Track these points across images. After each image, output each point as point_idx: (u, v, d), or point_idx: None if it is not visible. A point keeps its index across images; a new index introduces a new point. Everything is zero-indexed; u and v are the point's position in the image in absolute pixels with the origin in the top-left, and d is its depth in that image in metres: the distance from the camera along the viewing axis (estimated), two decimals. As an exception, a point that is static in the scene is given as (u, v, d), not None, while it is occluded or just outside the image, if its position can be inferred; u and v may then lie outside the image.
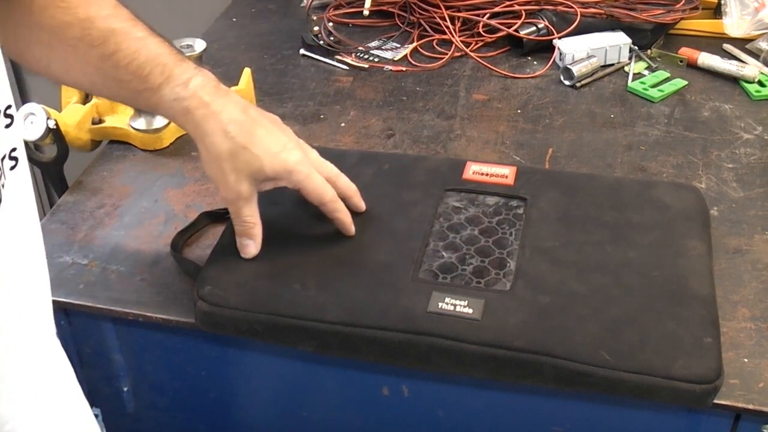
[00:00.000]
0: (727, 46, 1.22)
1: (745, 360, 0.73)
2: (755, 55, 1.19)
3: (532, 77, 1.17)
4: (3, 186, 0.53)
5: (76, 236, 0.89)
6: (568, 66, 1.15)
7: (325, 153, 0.96)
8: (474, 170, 0.89)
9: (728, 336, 0.74)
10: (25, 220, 0.58)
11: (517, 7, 1.21)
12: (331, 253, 0.79)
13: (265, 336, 0.74)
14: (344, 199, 0.80)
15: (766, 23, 1.20)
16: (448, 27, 1.23)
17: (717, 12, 1.24)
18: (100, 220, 0.91)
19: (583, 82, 1.15)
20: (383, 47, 1.26)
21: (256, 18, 1.38)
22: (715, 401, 0.68)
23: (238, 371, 0.86)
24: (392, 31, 1.29)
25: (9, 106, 0.54)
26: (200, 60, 1.10)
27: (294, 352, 0.78)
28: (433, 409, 0.82)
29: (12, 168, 0.55)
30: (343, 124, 1.07)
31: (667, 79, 1.15)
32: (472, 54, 1.21)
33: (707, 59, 1.16)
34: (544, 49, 1.21)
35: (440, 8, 1.24)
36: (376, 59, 1.22)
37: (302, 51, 1.24)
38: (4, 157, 0.54)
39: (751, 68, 1.14)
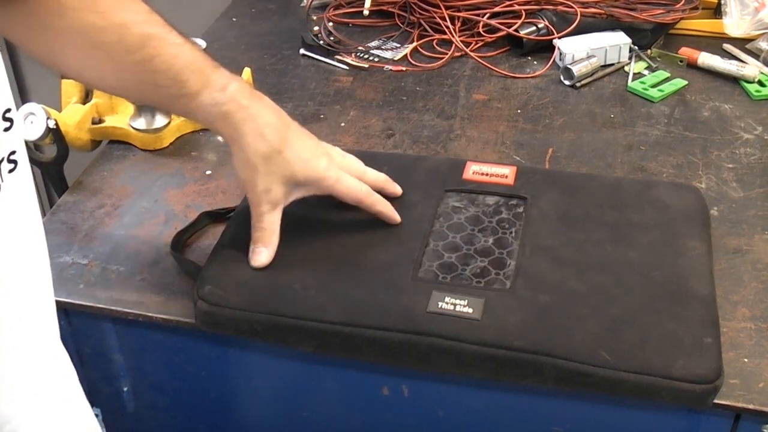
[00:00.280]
0: (727, 46, 1.22)
1: (745, 360, 0.73)
2: (755, 55, 1.19)
3: (532, 77, 1.17)
4: (0, 189, 0.53)
5: (76, 236, 0.89)
6: (568, 66, 1.15)
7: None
8: (474, 170, 0.89)
9: (728, 336, 0.74)
10: (26, 222, 0.58)
11: (517, 7, 1.21)
12: (331, 253, 0.79)
13: (265, 336, 0.74)
14: (378, 191, 0.82)
15: (766, 23, 1.20)
16: (448, 27, 1.23)
17: (717, 12, 1.24)
18: (100, 220, 0.91)
19: (583, 82, 1.15)
20: (383, 47, 1.26)
21: (256, 18, 1.38)
22: (715, 401, 0.68)
23: (238, 371, 0.86)
24: (392, 31, 1.29)
25: (8, 110, 0.54)
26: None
27: (294, 352, 0.78)
28: (433, 409, 0.82)
29: (11, 171, 0.55)
30: (343, 124, 1.07)
31: (667, 79, 1.15)
32: (472, 54, 1.21)
33: (707, 59, 1.16)
34: (544, 49, 1.21)
35: (440, 8, 1.24)
36: (376, 59, 1.22)
37: (302, 51, 1.24)
38: (2, 160, 0.54)
39: (751, 68, 1.14)
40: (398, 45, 1.26)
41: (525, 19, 1.21)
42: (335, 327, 0.72)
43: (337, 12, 1.34)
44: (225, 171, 0.98)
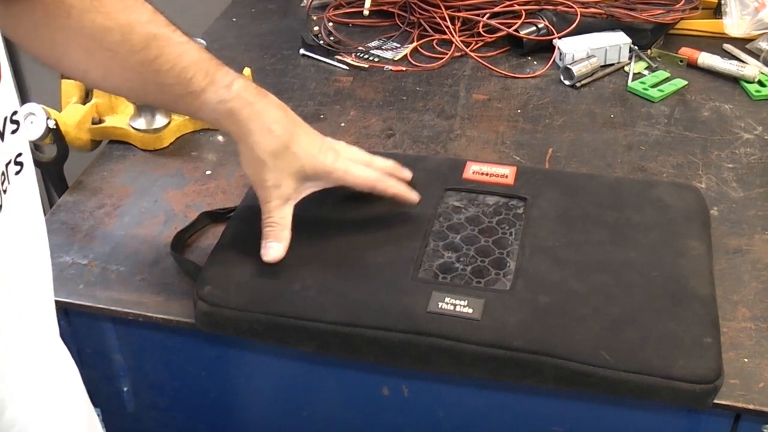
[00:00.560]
0: (727, 46, 1.22)
1: (745, 360, 0.73)
2: (755, 55, 1.19)
3: (532, 77, 1.17)
4: (5, 191, 0.54)
5: (76, 236, 0.89)
6: (568, 66, 1.15)
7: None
8: (474, 170, 0.89)
9: (728, 336, 0.74)
10: (30, 223, 0.58)
11: (517, 7, 1.21)
12: (331, 253, 0.79)
13: (265, 336, 0.74)
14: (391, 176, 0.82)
15: (766, 23, 1.20)
16: (448, 27, 1.23)
17: (717, 12, 1.24)
18: (100, 220, 0.91)
19: (583, 82, 1.15)
20: (383, 47, 1.26)
21: (256, 18, 1.38)
22: (715, 401, 0.68)
23: (238, 371, 0.86)
24: (392, 31, 1.29)
25: (15, 112, 0.54)
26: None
27: (294, 352, 0.78)
28: (433, 409, 0.82)
29: (18, 173, 0.55)
30: (343, 124, 1.07)
31: (667, 79, 1.15)
32: (472, 54, 1.21)
33: (707, 59, 1.16)
34: (544, 49, 1.21)
35: (440, 8, 1.24)
36: (376, 59, 1.22)
37: (302, 51, 1.24)
38: (9, 162, 0.54)
39: (751, 68, 1.14)
40: (398, 45, 1.26)
41: (525, 19, 1.21)
42: (335, 327, 0.72)
43: (337, 12, 1.34)
44: (225, 171, 0.98)
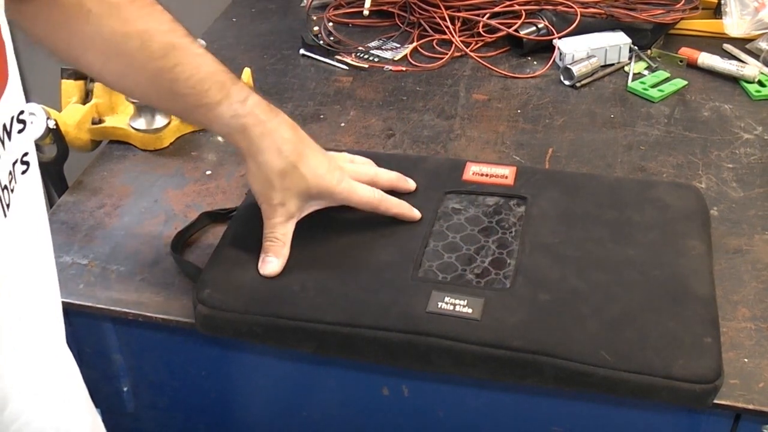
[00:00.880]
0: (727, 46, 1.22)
1: (745, 360, 0.73)
2: (755, 55, 1.19)
3: (532, 77, 1.17)
4: (13, 191, 0.54)
5: (76, 236, 0.89)
6: (568, 66, 1.15)
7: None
8: (474, 171, 0.89)
9: (728, 336, 0.74)
10: (35, 223, 0.58)
11: (517, 7, 1.21)
12: (330, 254, 0.79)
13: (265, 338, 0.74)
14: (392, 190, 0.84)
15: (766, 23, 1.20)
16: (448, 27, 1.23)
17: (717, 12, 1.24)
18: (100, 220, 0.91)
19: (583, 82, 1.15)
20: (383, 47, 1.26)
21: (256, 18, 1.38)
22: (715, 401, 0.68)
23: (238, 371, 0.86)
24: (392, 31, 1.29)
25: (22, 112, 0.55)
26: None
27: (294, 353, 0.78)
28: (433, 409, 0.82)
29: (24, 172, 0.56)
30: (343, 124, 1.07)
31: (667, 79, 1.15)
32: (472, 54, 1.21)
33: (707, 59, 1.16)
34: (544, 49, 1.21)
35: (440, 8, 1.24)
36: (376, 59, 1.22)
37: (302, 51, 1.24)
38: (16, 161, 0.55)
39: (751, 68, 1.14)
40: (398, 45, 1.26)
41: (525, 19, 1.21)
42: (335, 328, 0.72)
43: (337, 12, 1.34)
44: (225, 171, 0.98)
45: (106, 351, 0.87)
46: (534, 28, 1.21)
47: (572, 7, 1.20)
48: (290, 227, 0.79)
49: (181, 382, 0.88)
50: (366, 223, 0.82)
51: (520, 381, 0.71)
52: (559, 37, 1.19)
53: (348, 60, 1.22)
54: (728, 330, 0.75)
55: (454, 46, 1.22)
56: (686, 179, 0.95)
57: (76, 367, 0.67)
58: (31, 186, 0.57)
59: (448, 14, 1.23)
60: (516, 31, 1.20)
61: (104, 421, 0.92)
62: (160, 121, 1.02)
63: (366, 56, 1.23)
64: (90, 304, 0.81)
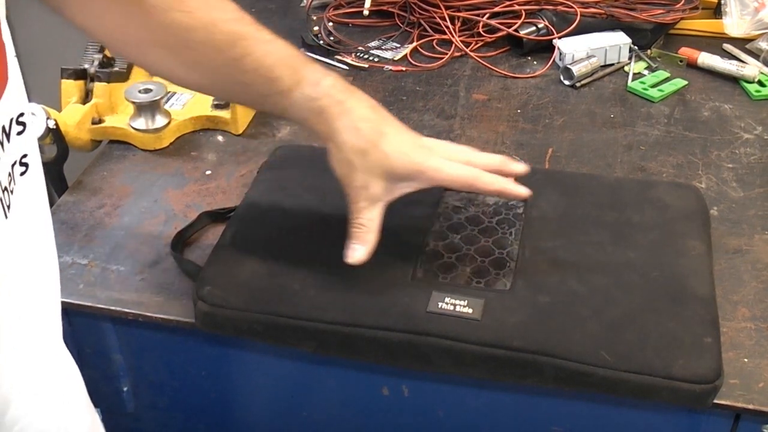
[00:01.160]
0: (727, 46, 1.22)
1: (745, 360, 0.73)
2: (755, 55, 1.19)
3: (532, 77, 1.17)
4: (13, 192, 0.54)
5: (76, 236, 0.89)
6: (568, 66, 1.15)
7: (324, 153, 0.96)
8: (474, 170, 0.89)
9: (728, 336, 0.74)
10: (37, 224, 0.58)
11: (517, 7, 1.21)
12: (330, 253, 0.79)
13: (264, 336, 0.74)
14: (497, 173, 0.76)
15: (766, 23, 1.20)
16: (448, 27, 1.23)
17: (717, 12, 1.24)
18: (100, 220, 0.91)
19: (583, 82, 1.15)
20: (383, 47, 1.25)
21: (256, 18, 1.36)
22: (715, 401, 0.69)
23: (238, 371, 0.86)
24: (392, 31, 1.29)
25: (22, 114, 0.54)
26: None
27: (294, 352, 0.78)
28: (433, 409, 0.82)
29: (23, 174, 0.55)
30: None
31: (667, 79, 1.15)
32: (472, 54, 1.21)
33: (707, 59, 1.16)
34: (544, 49, 1.21)
35: (440, 8, 1.24)
36: (376, 59, 1.22)
37: (302, 51, 1.24)
38: (15, 163, 0.54)
39: (751, 68, 1.14)
40: (398, 45, 1.26)
41: (525, 19, 1.21)
42: (335, 327, 0.72)
43: (337, 12, 1.34)
44: (225, 171, 0.98)
45: (106, 351, 0.87)
46: (534, 28, 1.21)
47: (572, 7, 1.20)
48: (377, 212, 0.73)
49: (181, 382, 0.88)
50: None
51: (520, 381, 0.71)
52: (559, 37, 1.19)
53: (348, 60, 1.22)
54: (728, 330, 0.75)
55: (454, 46, 1.22)
56: (686, 179, 0.95)
57: (76, 366, 0.67)
58: (32, 187, 0.57)
59: (448, 14, 1.23)
60: (516, 31, 1.20)
61: (104, 421, 0.92)
62: (160, 121, 1.02)
63: (366, 56, 1.23)
64: (90, 304, 0.81)
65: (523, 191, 0.75)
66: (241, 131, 1.05)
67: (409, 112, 1.10)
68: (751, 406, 0.69)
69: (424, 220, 0.83)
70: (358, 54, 1.24)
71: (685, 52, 1.18)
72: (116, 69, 1.04)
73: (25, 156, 0.55)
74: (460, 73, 1.19)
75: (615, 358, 0.68)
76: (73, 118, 1.00)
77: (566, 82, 1.15)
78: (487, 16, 1.22)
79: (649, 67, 1.18)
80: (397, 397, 0.82)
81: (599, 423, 0.79)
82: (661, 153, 1.00)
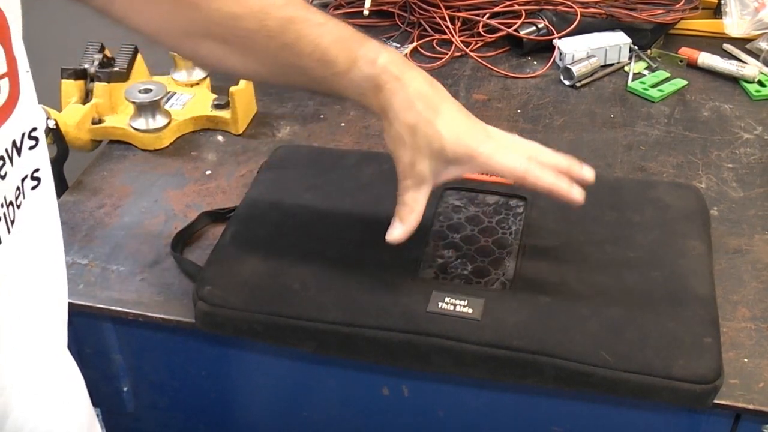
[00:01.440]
0: (727, 46, 1.22)
1: (745, 360, 0.73)
2: (755, 55, 1.19)
3: (532, 77, 1.17)
4: (20, 206, 0.54)
5: (76, 236, 0.89)
6: (568, 66, 1.15)
7: (325, 153, 0.96)
8: (474, 170, 0.89)
9: (728, 336, 0.74)
10: (44, 237, 0.58)
11: (517, 7, 1.21)
12: (331, 253, 0.79)
13: (265, 336, 0.74)
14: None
15: (766, 23, 1.20)
16: (448, 27, 1.23)
17: (717, 12, 1.24)
18: (100, 220, 0.91)
19: (583, 82, 1.15)
20: (383, 47, 1.25)
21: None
22: (715, 401, 0.69)
23: (238, 371, 0.86)
24: (392, 31, 1.29)
25: (35, 129, 0.54)
26: (200, 60, 1.10)
27: (294, 352, 0.78)
28: (433, 409, 0.82)
29: (34, 188, 0.55)
30: (343, 124, 1.07)
31: (667, 79, 1.15)
32: (472, 54, 1.21)
33: (707, 59, 1.16)
34: (544, 49, 1.21)
35: (440, 8, 1.24)
36: (376, 59, 1.22)
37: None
38: (25, 177, 0.54)
39: (751, 68, 1.14)
40: (398, 45, 1.26)
41: (525, 19, 1.21)
42: (335, 327, 0.72)
43: (337, 12, 1.34)
44: (225, 171, 0.98)
45: (106, 351, 0.87)
46: (534, 28, 1.21)
47: (572, 7, 1.20)
48: (422, 195, 0.71)
49: (181, 382, 0.88)
50: (367, 222, 0.82)
51: (520, 381, 0.71)
52: (559, 37, 1.19)
53: (348, 60, 1.21)
54: (728, 330, 0.75)
55: (454, 46, 1.22)
56: (686, 179, 0.95)
57: (79, 371, 0.67)
58: (43, 201, 0.57)
59: (448, 14, 1.23)
60: (516, 31, 1.20)
61: (104, 421, 0.92)
62: (160, 121, 1.02)
63: (366, 56, 1.23)
64: (90, 304, 0.81)
65: (577, 195, 0.70)
66: (241, 131, 1.05)
67: (409, 112, 1.09)
68: (751, 406, 0.69)
69: (424, 220, 0.82)
70: (358, 54, 1.23)
71: (685, 52, 1.18)
72: (116, 69, 1.04)
73: (37, 170, 0.56)
74: (460, 73, 1.19)
75: (615, 358, 0.68)
76: (73, 118, 1.00)
77: (566, 82, 1.15)
78: (487, 16, 1.22)
79: (649, 67, 1.18)
80: (397, 397, 0.82)
81: (599, 423, 0.79)
82: (661, 153, 1.00)
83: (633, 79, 1.15)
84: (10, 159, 0.52)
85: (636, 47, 1.19)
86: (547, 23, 1.20)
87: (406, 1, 1.28)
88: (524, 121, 1.07)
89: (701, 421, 0.75)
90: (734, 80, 1.15)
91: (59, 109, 1.02)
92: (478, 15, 1.23)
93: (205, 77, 1.11)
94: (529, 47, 1.21)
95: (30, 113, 0.54)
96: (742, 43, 1.21)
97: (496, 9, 1.22)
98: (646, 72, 1.17)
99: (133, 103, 1.01)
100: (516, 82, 1.17)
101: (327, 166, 0.91)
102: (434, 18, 1.25)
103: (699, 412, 0.73)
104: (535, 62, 1.21)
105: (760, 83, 1.13)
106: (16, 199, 0.53)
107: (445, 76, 1.18)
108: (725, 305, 0.77)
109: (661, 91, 1.12)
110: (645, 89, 1.12)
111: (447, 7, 1.24)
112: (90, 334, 0.86)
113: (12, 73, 0.51)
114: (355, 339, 0.72)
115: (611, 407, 0.77)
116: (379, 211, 0.83)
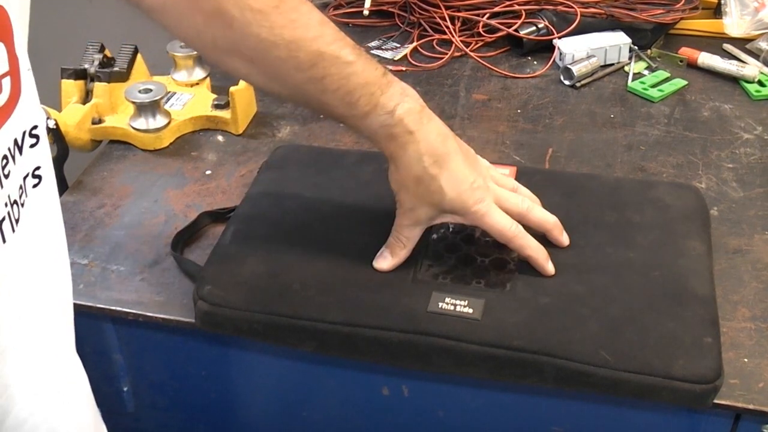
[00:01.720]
0: (727, 46, 1.22)
1: (745, 360, 0.73)
2: (755, 55, 1.19)
3: (532, 77, 1.17)
4: (23, 205, 0.54)
5: (76, 236, 0.89)
6: (568, 66, 1.15)
7: (325, 153, 0.96)
8: (474, 170, 0.89)
9: (728, 336, 0.74)
10: (48, 235, 0.58)
11: (517, 7, 1.21)
12: (331, 253, 0.79)
13: (265, 336, 0.74)
14: (541, 233, 0.79)
15: (766, 23, 1.20)
16: (448, 27, 1.23)
17: (717, 12, 1.24)
18: (100, 220, 0.91)
19: (583, 82, 1.15)
20: (383, 47, 1.25)
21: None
22: (715, 401, 0.68)
23: (238, 371, 0.86)
24: (392, 31, 1.29)
25: (35, 126, 0.54)
26: (200, 60, 1.10)
27: (294, 352, 0.78)
28: (433, 409, 0.82)
29: (35, 186, 0.56)
30: (342, 125, 1.07)
31: (667, 79, 1.15)
32: (472, 54, 1.21)
33: (707, 59, 1.16)
34: (544, 49, 1.21)
35: (440, 8, 1.24)
36: (376, 59, 1.22)
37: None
38: (27, 176, 0.55)
39: (751, 68, 1.14)
40: (398, 45, 1.26)
41: (525, 19, 1.21)
42: (335, 327, 0.72)
43: (337, 12, 1.34)
44: (225, 171, 0.98)
45: (106, 351, 0.87)
46: (534, 28, 1.21)
47: (572, 7, 1.20)
48: (417, 232, 0.77)
49: (181, 382, 0.88)
50: (367, 223, 0.82)
51: (520, 381, 0.71)
52: (559, 37, 1.19)
53: (348, 60, 1.21)
54: (728, 330, 0.75)
55: (454, 46, 1.22)
56: (686, 179, 0.95)
57: (84, 372, 0.67)
58: (45, 199, 0.57)
59: (448, 14, 1.23)
60: (516, 31, 1.20)
61: (104, 421, 0.92)
62: (160, 121, 1.02)
63: (366, 56, 1.23)
64: (90, 304, 0.81)
65: (550, 269, 0.76)
66: (241, 131, 1.05)
67: (409, 112, 1.09)
68: (751, 406, 0.69)
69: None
70: (358, 54, 1.23)
71: (685, 52, 1.18)
72: (116, 69, 1.04)
73: (38, 168, 0.56)
74: (460, 73, 1.19)
75: (615, 358, 0.68)
76: (73, 118, 1.00)
77: (566, 82, 1.15)
78: (487, 16, 1.22)
79: (649, 67, 1.18)
80: (397, 397, 0.82)
81: (599, 423, 0.79)
82: (661, 153, 1.00)
83: (633, 79, 1.15)
84: (13, 157, 0.52)
85: (636, 47, 1.19)
86: (547, 23, 1.20)
87: (406, 1, 1.28)
88: (524, 121, 1.07)
89: (701, 421, 0.75)
90: (734, 80, 1.15)
91: (59, 109, 1.02)
92: (478, 15, 1.23)
93: (205, 77, 1.11)
94: (529, 47, 1.21)
95: (31, 111, 0.54)
96: (742, 43, 1.21)
97: (496, 9, 1.22)
98: (646, 72, 1.17)
99: (133, 103, 1.01)
100: (516, 82, 1.17)
101: (327, 166, 0.91)
102: (434, 18, 1.25)
103: (699, 412, 0.73)
104: (535, 62, 1.21)
105: (760, 83, 1.13)
106: (20, 197, 0.53)
107: (445, 76, 1.18)
108: (725, 305, 0.77)
109: (661, 91, 1.12)
110: (645, 89, 1.12)
111: (447, 7, 1.24)
112: (90, 334, 0.86)
113: (14, 72, 0.51)
114: (355, 339, 0.72)
115: (611, 407, 0.77)
116: (380, 210, 0.84)
